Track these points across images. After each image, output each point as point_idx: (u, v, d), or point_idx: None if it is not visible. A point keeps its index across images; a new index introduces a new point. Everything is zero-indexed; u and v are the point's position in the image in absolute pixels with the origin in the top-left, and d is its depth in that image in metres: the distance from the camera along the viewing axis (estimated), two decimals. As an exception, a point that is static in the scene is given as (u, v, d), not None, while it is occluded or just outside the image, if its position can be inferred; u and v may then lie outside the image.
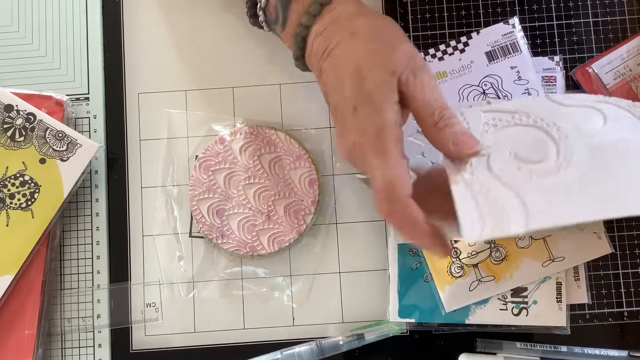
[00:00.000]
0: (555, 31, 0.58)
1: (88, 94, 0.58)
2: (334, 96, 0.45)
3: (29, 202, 0.53)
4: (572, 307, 0.54)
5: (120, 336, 0.55)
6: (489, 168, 0.42)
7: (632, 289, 0.54)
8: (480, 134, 0.44)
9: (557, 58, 0.56)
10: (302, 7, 0.46)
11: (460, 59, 0.56)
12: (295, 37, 0.47)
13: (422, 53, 0.57)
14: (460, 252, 0.53)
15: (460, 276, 0.53)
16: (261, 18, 0.51)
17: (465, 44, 0.56)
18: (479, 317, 0.53)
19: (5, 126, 0.54)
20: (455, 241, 0.53)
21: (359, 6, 0.46)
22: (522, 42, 0.56)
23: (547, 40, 0.57)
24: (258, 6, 0.50)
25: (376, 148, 0.42)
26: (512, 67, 0.56)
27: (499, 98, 0.55)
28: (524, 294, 0.52)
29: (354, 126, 0.43)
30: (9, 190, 0.53)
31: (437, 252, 0.43)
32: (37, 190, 0.53)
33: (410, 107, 0.44)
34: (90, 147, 0.54)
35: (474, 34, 0.56)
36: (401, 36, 0.45)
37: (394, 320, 0.53)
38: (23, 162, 0.54)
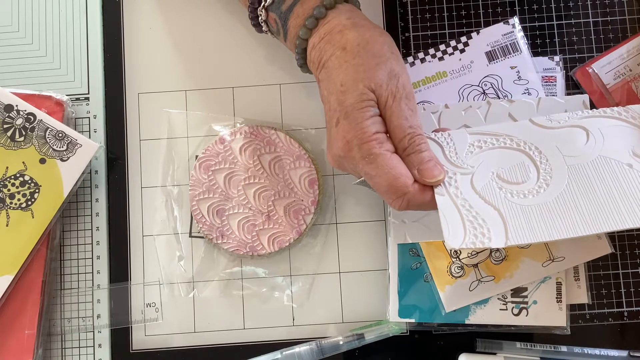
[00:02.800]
0: (555, 31, 0.58)
1: (88, 94, 0.58)
2: (325, 106, 0.47)
3: (29, 202, 0.53)
4: (572, 307, 0.54)
5: (120, 336, 0.55)
6: (472, 186, 0.46)
7: (632, 289, 0.54)
8: (465, 154, 0.48)
9: (557, 58, 0.56)
10: (300, 20, 0.48)
11: (460, 59, 0.56)
12: (296, 47, 0.49)
13: (422, 53, 0.57)
14: (460, 252, 0.53)
15: (460, 276, 0.53)
16: (264, 28, 0.52)
17: (465, 44, 0.56)
18: (479, 317, 0.52)
19: (5, 126, 0.54)
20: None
21: (353, 18, 0.47)
22: (522, 42, 0.56)
23: (547, 40, 0.57)
24: (259, 18, 0.51)
25: (363, 157, 0.44)
26: (512, 67, 0.56)
27: (499, 98, 0.55)
28: (524, 294, 0.52)
29: (337, 138, 0.45)
30: (9, 190, 0.53)
31: None
32: (37, 190, 0.53)
33: (386, 126, 0.45)
34: (90, 147, 0.54)
35: (474, 34, 0.56)
36: (389, 53, 0.46)
37: (394, 320, 0.53)
38: (23, 162, 0.54)
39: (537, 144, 0.47)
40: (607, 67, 0.56)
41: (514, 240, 0.42)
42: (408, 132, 0.45)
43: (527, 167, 0.47)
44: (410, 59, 0.57)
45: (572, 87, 0.56)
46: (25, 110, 0.54)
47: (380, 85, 0.45)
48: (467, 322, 0.53)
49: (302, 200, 0.54)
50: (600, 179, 0.45)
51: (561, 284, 0.52)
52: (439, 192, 0.45)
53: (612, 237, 0.55)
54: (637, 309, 0.54)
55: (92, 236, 0.56)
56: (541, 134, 0.48)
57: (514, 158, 0.47)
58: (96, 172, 0.57)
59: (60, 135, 0.54)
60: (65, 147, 0.54)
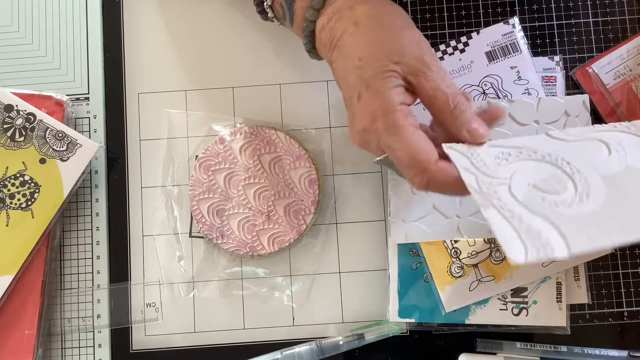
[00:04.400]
0: (555, 31, 0.58)
1: (88, 94, 0.58)
2: (342, 87, 0.45)
3: (29, 202, 0.53)
4: (572, 307, 0.54)
5: (120, 336, 0.55)
6: (514, 197, 0.43)
7: (632, 289, 0.54)
8: (495, 167, 0.45)
9: (557, 58, 0.56)
10: (305, 2, 0.47)
11: (460, 59, 0.56)
12: (304, 31, 0.47)
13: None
14: (460, 252, 0.53)
15: (460, 276, 0.53)
16: (270, 14, 0.51)
17: (465, 44, 0.56)
18: (479, 317, 0.53)
19: (5, 126, 0.54)
20: (455, 241, 0.53)
21: None
22: (522, 42, 0.56)
23: (547, 40, 0.57)
24: (265, 4, 0.50)
25: (386, 129, 0.42)
26: (512, 67, 0.56)
27: (499, 98, 0.55)
28: (524, 294, 0.52)
29: (360, 113, 0.43)
30: (9, 190, 0.53)
31: None
32: (37, 190, 0.53)
33: (420, 95, 0.44)
34: (90, 147, 0.54)
35: (474, 34, 0.56)
36: (404, 22, 0.45)
37: (394, 320, 0.53)
38: (23, 162, 0.54)
39: (563, 155, 0.46)
40: (607, 67, 0.56)
41: (576, 249, 0.40)
42: (449, 94, 0.43)
43: (561, 177, 0.44)
44: (410, 59, 0.57)
45: (572, 87, 0.56)
46: (25, 110, 0.54)
47: (403, 55, 0.43)
48: (467, 322, 0.53)
49: (302, 200, 0.54)
50: (637, 186, 0.44)
51: (561, 284, 0.52)
52: (484, 204, 0.42)
53: (612, 237, 0.55)
54: (637, 309, 0.54)
55: (92, 236, 0.56)
56: (563, 146, 0.47)
57: (545, 169, 0.45)
58: (96, 172, 0.57)
59: (60, 135, 0.54)
60: (65, 147, 0.54)
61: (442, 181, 0.42)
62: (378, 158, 0.45)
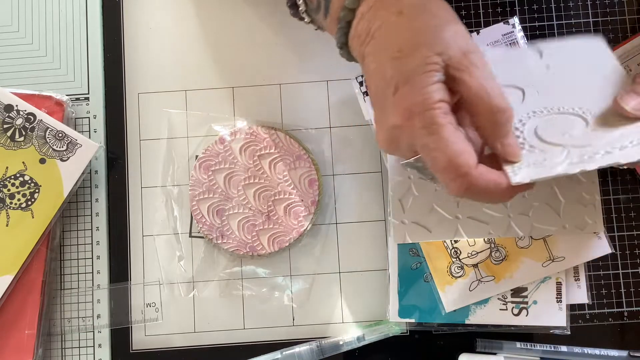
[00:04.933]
0: (555, 31, 0.58)
1: (88, 94, 0.58)
2: (374, 80, 0.42)
3: (29, 202, 0.53)
4: (572, 307, 0.54)
5: (120, 336, 0.55)
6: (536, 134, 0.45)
7: (632, 289, 0.54)
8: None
9: (557, 58, 0.56)
10: None
11: (460, 59, 0.56)
12: (339, 22, 0.44)
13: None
14: (460, 252, 0.53)
15: (460, 276, 0.53)
16: (302, 8, 0.48)
17: (465, 44, 0.56)
18: (479, 317, 0.52)
19: (5, 126, 0.54)
20: (455, 241, 0.53)
21: None
22: (522, 42, 0.56)
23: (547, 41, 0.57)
24: None
25: (424, 127, 0.39)
26: (512, 67, 0.55)
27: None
28: (524, 294, 0.52)
29: (395, 108, 0.40)
30: (9, 190, 0.53)
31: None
32: (37, 190, 0.53)
33: (461, 92, 0.40)
34: (90, 147, 0.54)
35: (474, 34, 0.56)
36: (450, 15, 0.42)
37: (394, 320, 0.53)
38: (23, 162, 0.54)
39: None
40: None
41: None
42: (493, 97, 0.40)
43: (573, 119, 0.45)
44: (410, 59, 0.57)
45: (572, 87, 0.56)
46: (25, 110, 0.54)
47: (447, 47, 0.39)
48: (467, 322, 0.53)
49: (302, 200, 0.54)
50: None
51: (561, 284, 0.52)
52: (515, 177, 0.40)
53: (612, 237, 0.55)
54: (637, 309, 0.54)
55: (92, 236, 0.56)
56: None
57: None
58: (96, 172, 0.57)
59: (60, 135, 0.54)
60: (65, 147, 0.54)
61: (483, 187, 0.39)
62: (408, 160, 0.42)
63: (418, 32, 0.40)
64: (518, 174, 0.40)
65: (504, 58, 0.42)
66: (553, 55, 0.49)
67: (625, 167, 0.55)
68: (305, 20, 0.50)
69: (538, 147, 0.44)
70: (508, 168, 0.41)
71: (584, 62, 0.48)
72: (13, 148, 0.54)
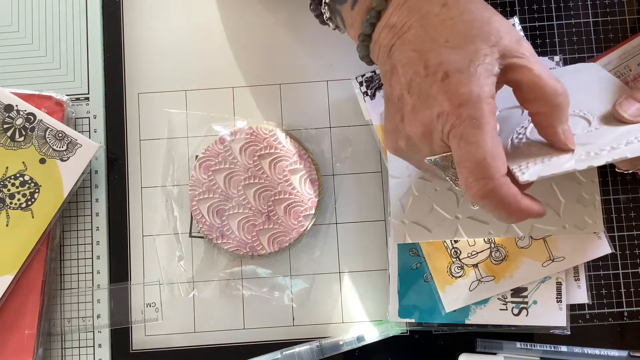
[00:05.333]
0: (555, 31, 0.58)
1: (88, 94, 0.58)
2: (412, 68, 0.41)
3: (29, 202, 0.53)
4: (572, 307, 0.54)
5: (120, 336, 0.55)
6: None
7: (632, 289, 0.54)
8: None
9: (557, 58, 0.56)
10: None
11: (460, 59, 0.56)
12: (368, 12, 0.43)
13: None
14: (460, 252, 0.53)
15: (460, 276, 0.53)
16: None
17: (465, 44, 0.56)
18: (479, 317, 0.52)
19: (5, 126, 0.54)
20: (455, 241, 0.53)
21: None
22: (522, 42, 0.56)
23: (547, 40, 0.57)
24: None
25: (471, 117, 0.38)
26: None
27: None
28: (524, 294, 0.52)
29: (444, 94, 0.39)
30: (9, 190, 0.53)
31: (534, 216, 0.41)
32: (37, 190, 0.53)
33: (517, 81, 0.40)
34: (90, 147, 0.54)
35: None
36: (492, 9, 0.42)
37: (394, 320, 0.53)
38: (23, 162, 0.54)
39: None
40: (607, 67, 0.55)
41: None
42: (556, 83, 0.40)
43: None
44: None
45: (572, 87, 0.56)
46: (25, 110, 0.54)
47: (500, 37, 0.39)
48: (467, 322, 0.53)
49: (302, 200, 0.54)
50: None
51: (561, 284, 0.52)
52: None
53: (612, 237, 0.55)
54: (637, 309, 0.54)
55: (92, 236, 0.56)
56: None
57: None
58: (96, 172, 0.57)
59: (60, 135, 0.54)
60: (65, 147, 0.54)
61: (502, 197, 0.38)
62: (438, 156, 0.41)
63: (468, 23, 0.40)
64: (526, 173, 0.40)
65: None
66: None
67: (628, 172, 0.55)
68: (325, 16, 0.49)
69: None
70: (514, 168, 0.41)
71: (583, 77, 0.49)
72: (13, 148, 0.54)
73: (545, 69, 0.40)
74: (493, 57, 0.39)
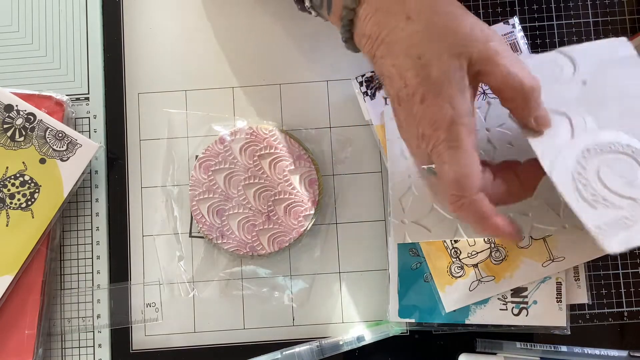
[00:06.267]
0: (555, 31, 0.58)
1: (88, 94, 0.58)
2: (394, 86, 0.42)
3: (29, 202, 0.53)
4: (572, 307, 0.54)
5: (120, 336, 0.55)
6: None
7: (632, 289, 0.54)
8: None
9: (557, 58, 0.56)
10: None
11: (460, 59, 0.56)
12: (342, 20, 0.44)
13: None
14: (460, 252, 0.53)
15: (460, 276, 0.53)
16: (307, 3, 0.49)
17: (465, 44, 0.56)
18: (479, 317, 0.52)
19: (5, 126, 0.54)
20: (455, 241, 0.53)
21: None
22: (522, 42, 0.56)
23: (547, 40, 0.57)
24: None
25: (447, 140, 0.40)
26: (512, 67, 0.55)
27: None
28: (524, 294, 0.52)
29: (422, 117, 0.41)
30: (9, 190, 0.53)
31: (510, 241, 0.43)
32: (37, 190, 0.53)
33: (489, 83, 0.41)
34: (90, 147, 0.54)
35: (474, 34, 0.56)
36: (460, 9, 0.42)
37: (394, 320, 0.53)
38: (23, 162, 0.54)
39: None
40: (607, 67, 0.56)
41: None
42: (522, 77, 0.40)
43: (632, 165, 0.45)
44: (410, 59, 0.57)
45: (572, 87, 0.56)
46: (25, 110, 0.54)
47: (467, 44, 0.40)
48: (467, 322, 0.53)
49: (302, 200, 0.54)
50: None
51: (561, 284, 0.52)
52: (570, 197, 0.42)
53: (612, 237, 0.55)
54: (637, 309, 0.54)
55: (92, 236, 0.56)
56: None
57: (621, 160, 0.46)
58: (96, 172, 0.57)
59: (60, 135, 0.54)
60: (65, 147, 0.54)
61: (472, 213, 0.41)
62: (429, 166, 0.43)
63: (432, 37, 0.40)
64: (613, 240, 0.41)
65: (535, 69, 0.43)
66: (585, 65, 0.48)
67: None
68: (313, 14, 0.50)
69: (609, 200, 0.43)
70: (598, 234, 0.42)
71: (618, 72, 0.48)
72: (13, 148, 0.54)
73: (515, 69, 0.41)
74: (463, 71, 0.40)
